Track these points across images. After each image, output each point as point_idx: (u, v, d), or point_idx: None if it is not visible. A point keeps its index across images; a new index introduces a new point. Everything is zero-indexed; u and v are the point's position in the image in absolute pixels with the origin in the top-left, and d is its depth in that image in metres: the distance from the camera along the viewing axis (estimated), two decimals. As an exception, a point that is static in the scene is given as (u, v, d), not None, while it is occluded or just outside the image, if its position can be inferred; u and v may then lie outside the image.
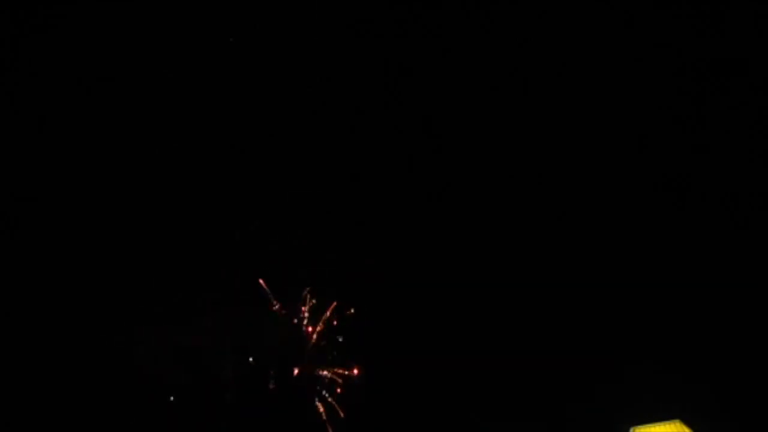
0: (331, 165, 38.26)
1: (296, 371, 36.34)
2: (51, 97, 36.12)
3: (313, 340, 36.96)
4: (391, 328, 37.05)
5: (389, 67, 38.30)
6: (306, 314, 37.07)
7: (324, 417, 35.78)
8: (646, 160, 37.36)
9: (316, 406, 35.89)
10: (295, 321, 36.95)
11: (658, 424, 30.35)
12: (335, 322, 37.07)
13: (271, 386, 35.89)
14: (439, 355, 36.56)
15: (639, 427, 30.58)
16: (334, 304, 36.94)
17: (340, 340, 37.00)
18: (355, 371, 36.56)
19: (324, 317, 36.96)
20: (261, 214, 37.10)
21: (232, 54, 37.39)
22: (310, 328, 36.99)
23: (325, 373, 36.48)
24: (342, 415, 35.65)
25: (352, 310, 37.31)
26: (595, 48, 37.16)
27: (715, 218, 36.13)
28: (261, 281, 36.41)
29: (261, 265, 36.82)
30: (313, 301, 37.03)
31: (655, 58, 37.14)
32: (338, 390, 36.36)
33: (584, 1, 36.92)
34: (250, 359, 36.06)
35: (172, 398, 34.76)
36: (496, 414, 35.36)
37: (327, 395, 36.14)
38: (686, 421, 30.22)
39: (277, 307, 36.64)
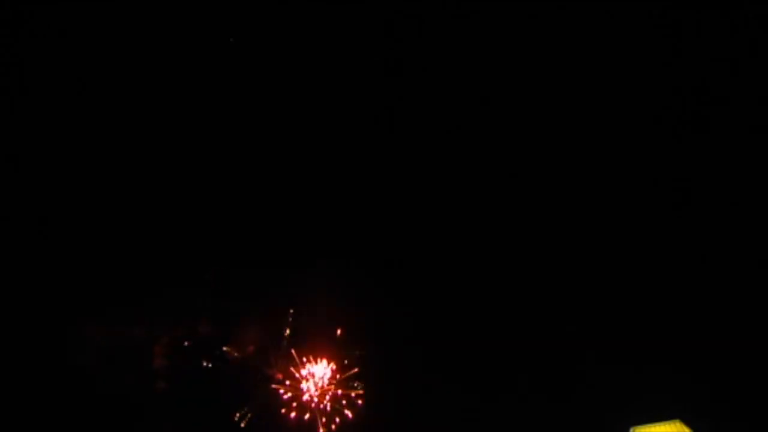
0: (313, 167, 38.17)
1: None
2: (50, 96, 36.11)
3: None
4: (391, 325, 37.24)
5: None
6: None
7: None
8: (647, 161, 37.46)
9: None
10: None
11: (658, 424, 30.47)
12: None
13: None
14: (439, 356, 36.69)
15: (639, 427, 30.69)
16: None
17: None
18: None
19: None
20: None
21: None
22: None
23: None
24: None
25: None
26: (595, 48, 37.25)
27: (715, 219, 36.20)
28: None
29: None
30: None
31: (654, 58, 37.27)
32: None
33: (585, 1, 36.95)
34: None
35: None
36: (497, 414, 35.43)
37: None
38: (686, 421, 30.33)
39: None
